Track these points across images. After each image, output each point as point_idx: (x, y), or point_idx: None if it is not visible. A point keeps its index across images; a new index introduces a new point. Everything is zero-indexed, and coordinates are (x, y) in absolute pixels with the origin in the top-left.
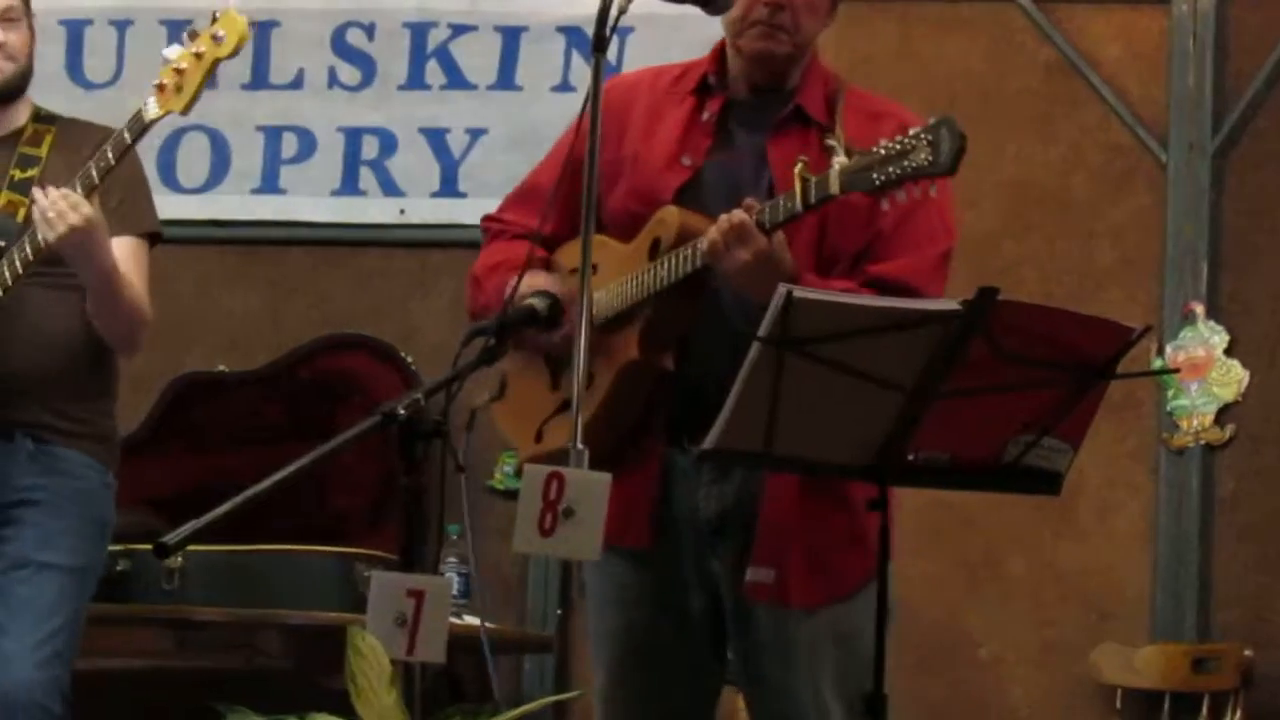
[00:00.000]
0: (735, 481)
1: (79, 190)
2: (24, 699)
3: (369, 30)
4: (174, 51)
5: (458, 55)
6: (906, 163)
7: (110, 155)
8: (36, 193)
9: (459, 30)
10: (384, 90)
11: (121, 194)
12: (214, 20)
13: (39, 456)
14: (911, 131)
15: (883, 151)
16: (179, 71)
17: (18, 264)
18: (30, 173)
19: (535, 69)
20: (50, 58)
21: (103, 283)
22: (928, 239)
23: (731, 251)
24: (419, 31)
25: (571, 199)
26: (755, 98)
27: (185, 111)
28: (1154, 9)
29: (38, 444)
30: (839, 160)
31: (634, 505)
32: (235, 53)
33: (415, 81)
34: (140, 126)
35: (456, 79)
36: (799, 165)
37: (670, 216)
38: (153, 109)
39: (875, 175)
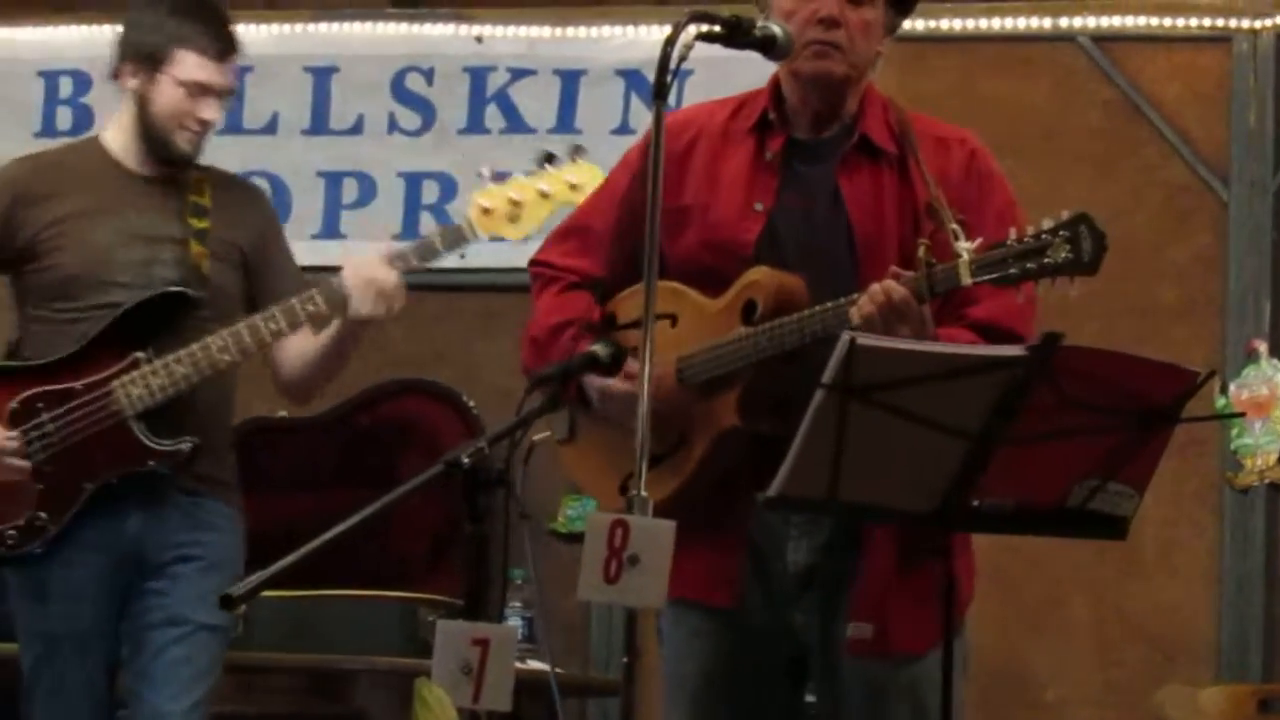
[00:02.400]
0: (825, 534)
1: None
2: None
3: (428, 75)
4: (509, 176)
5: (517, 99)
6: (1046, 259)
7: (415, 260)
8: (353, 276)
9: (518, 74)
10: (443, 135)
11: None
12: (552, 159)
13: (192, 510)
14: (1046, 227)
15: (1017, 246)
16: (515, 202)
17: (265, 334)
18: (203, 224)
19: (594, 112)
20: None
21: (358, 340)
22: None
23: (891, 327)
24: (478, 76)
25: (623, 243)
26: (817, 133)
27: (519, 239)
28: (1214, 48)
29: (189, 497)
30: (965, 247)
31: (722, 565)
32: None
33: (475, 126)
34: (458, 241)
35: (516, 123)
36: (921, 249)
37: (764, 279)
38: (478, 231)
39: (1011, 269)
